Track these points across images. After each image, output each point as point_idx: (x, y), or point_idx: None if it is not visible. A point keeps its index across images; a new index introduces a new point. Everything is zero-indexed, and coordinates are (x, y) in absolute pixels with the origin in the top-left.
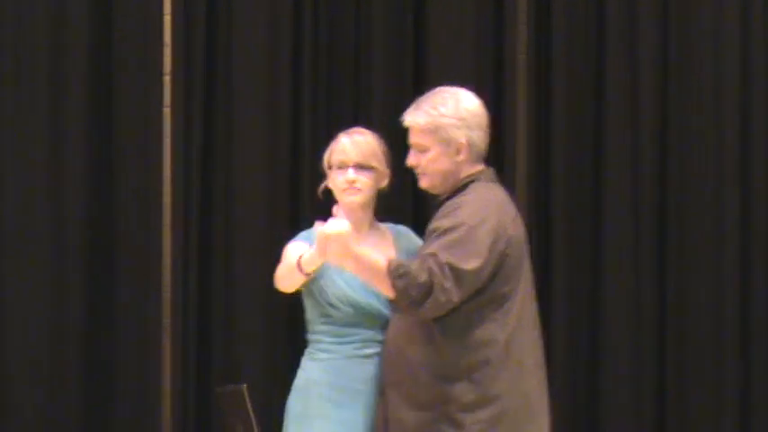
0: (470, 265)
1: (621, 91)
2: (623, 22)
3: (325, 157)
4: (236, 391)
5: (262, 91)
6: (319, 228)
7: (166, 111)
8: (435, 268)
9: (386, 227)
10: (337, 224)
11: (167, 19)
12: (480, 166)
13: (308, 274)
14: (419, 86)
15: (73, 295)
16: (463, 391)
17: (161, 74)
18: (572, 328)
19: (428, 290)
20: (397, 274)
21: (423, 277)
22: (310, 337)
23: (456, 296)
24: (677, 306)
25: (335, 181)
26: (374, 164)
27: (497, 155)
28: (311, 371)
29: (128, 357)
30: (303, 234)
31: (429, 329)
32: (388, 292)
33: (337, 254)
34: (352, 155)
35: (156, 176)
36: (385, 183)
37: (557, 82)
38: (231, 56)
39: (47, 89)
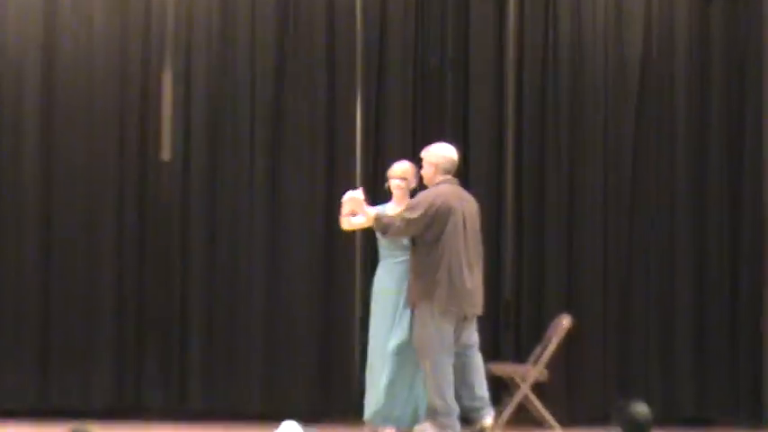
0: (413, 215)
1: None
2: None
3: (388, 172)
4: None
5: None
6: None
7: None
8: (396, 220)
9: None
10: (353, 192)
11: None
12: (446, 177)
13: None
14: None
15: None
16: (418, 283)
17: None
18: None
19: (388, 227)
20: (376, 219)
21: (385, 221)
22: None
23: (403, 228)
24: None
25: (391, 184)
26: (407, 177)
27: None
28: (378, 269)
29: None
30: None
31: (412, 257)
32: (374, 228)
33: (355, 209)
34: (397, 172)
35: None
36: (414, 185)
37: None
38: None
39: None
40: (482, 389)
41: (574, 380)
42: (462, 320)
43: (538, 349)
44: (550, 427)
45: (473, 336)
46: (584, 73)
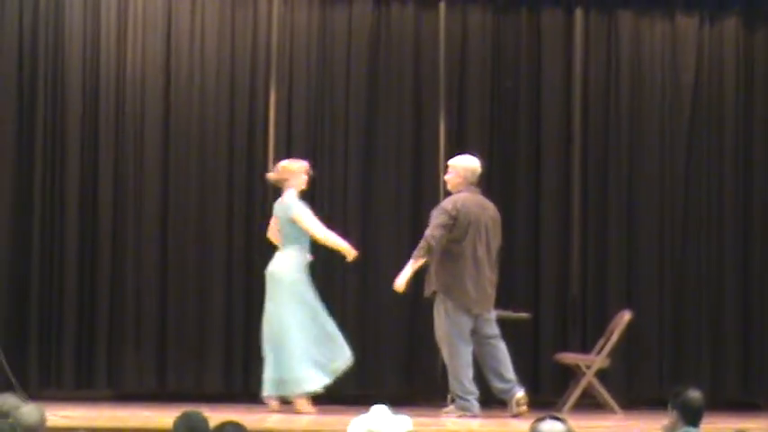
0: (436, 230)
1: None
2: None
3: None
4: None
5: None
6: None
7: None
8: (427, 235)
9: None
10: None
11: None
12: (469, 186)
13: None
14: None
15: None
16: (440, 276)
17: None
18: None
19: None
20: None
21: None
22: None
23: (432, 240)
24: None
25: None
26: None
27: None
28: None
29: None
30: None
31: (439, 251)
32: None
33: None
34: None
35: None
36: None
37: None
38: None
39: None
40: (509, 372)
41: (633, 368)
42: (478, 316)
43: (601, 341)
44: (612, 410)
45: (494, 328)
46: (643, 94)
